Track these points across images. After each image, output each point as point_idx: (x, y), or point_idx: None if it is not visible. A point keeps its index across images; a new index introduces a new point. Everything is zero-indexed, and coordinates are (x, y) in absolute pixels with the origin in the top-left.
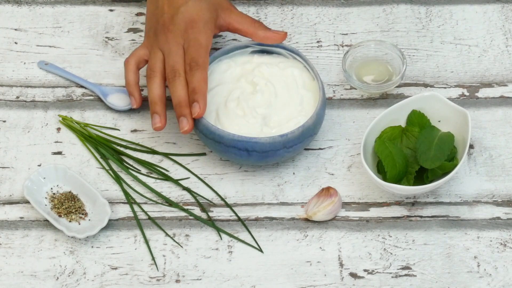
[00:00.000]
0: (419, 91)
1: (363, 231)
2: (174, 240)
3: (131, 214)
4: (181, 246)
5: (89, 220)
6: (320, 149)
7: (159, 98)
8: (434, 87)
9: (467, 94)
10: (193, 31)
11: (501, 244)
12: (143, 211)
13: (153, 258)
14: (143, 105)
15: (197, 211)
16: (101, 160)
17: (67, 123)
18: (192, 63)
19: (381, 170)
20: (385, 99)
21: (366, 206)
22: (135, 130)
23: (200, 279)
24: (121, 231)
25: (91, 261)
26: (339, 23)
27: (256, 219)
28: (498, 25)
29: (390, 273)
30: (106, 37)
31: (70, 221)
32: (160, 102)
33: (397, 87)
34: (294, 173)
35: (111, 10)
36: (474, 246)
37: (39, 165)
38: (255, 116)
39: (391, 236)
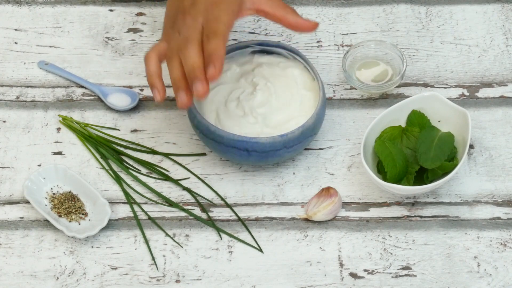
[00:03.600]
0: (419, 91)
1: (363, 231)
2: (174, 240)
3: (131, 214)
4: (181, 246)
5: (89, 220)
6: (320, 149)
7: (182, 74)
8: (434, 87)
9: (467, 94)
10: (214, 10)
11: (501, 244)
12: (143, 211)
13: (153, 258)
14: (143, 105)
15: (197, 211)
16: (101, 160)
17: (67, 123)
18: (210, 33)
19: (381, 170)
20: (385, 99)
21: (366, 206)
22: (135, 130)
23: (200, 279)
24: (121, 231)
25: (91, 261)
26: (339, 23)
27: (256, 219)
28: (498, 25)
29: (390, 273)
30: (106, 37)
31: (70, 221)
32: (184, 78)
33: (397, 87)
34: (294, 173)
35: (111, 10)
36: (474, 246)
37: (39, 165)
38: (255, 116)
39: (391, 236)
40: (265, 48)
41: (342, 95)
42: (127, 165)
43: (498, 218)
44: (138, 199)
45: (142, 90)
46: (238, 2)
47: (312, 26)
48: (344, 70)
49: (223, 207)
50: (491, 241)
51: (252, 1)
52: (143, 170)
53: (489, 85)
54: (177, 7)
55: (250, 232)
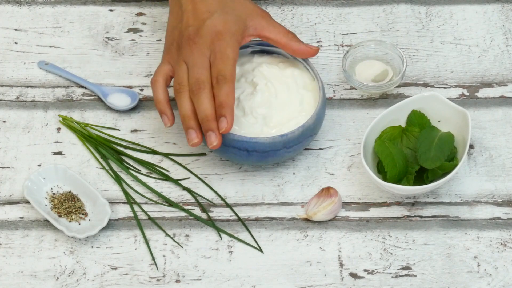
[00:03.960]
0: (419, 91)
1: (363, 231)
2: (174, 240)
3: (131, 214)
4: (181, 246)
5: (89, 220)
6: (320, 149)
7: (192, 112)
8: (434, 87)
9: (467, 94)
10: (220, 43)
11: (501, 244)
12: (143, 211)
13: (153, 258)
14: (143, 105)
15: (197, 211)
16: (101, 160)
17: (67, 123)
18: (219, 76)
19: (381, 170)
20: (385, 99)
21: (366, 206)
22: (135, 130)
23: (200, 279)
24: (121, 231)
25: (91, 261)
26: (339, 23)
27: (256, 219)
28: (498, 25)
29: (390, 273)
30: (106, 37)
31: (70, 221)
32: (194, 116)
33: (397, 87)
34: (294, 173)
35: (111, 10)
36: (474, 246)
37: (39, 165)
38: (255, 116)
39: (391, 236)
40: (265, 48)
41: (342, 95)
42: (127, 165)
43: (498, 218)
44: (138, 199)
45: (142, 90)
46: (241, 31)
47: (313, 52)
48: (344, 70)
49: (223, 207)
50: (491, 241)
51: (254, 28)
52: (143, 170)
53: (489, 85)
54: (180, 31)
55: (250, 232)
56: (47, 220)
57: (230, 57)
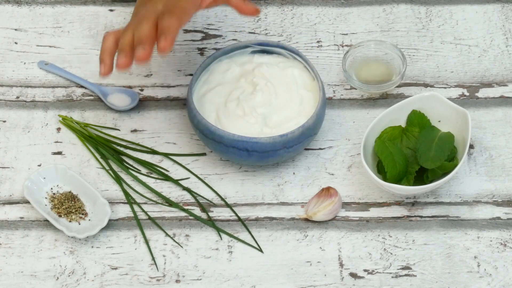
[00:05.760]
0: (419, 91)
1: (363, 231)
2: (174, 240)
3: (131, 214)
4: (181, 246)
5: (89, 220)
6: (320, 149)
7: (130, 43)
8: (434, 87)
9: (467, 94)
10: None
11: (501, 244)
12: (143, 211)
13: (153, 258)
14: (142, 105)
15: (197, 211)
16: (101, 160)
17: (67, 123)
18: (165, 12)
19: (381, 170)
20: (385, 99)
21: (366, 206)
22: (135, 130)
23: (200, 279)
24: (121, 231)
25: (91, 261)
26: (339, 23)
27: (256, 219)
28: (498, 25)
29: (390, 273)
30: None
31: (70, 221)
32: (130, 45)
33: (397, 87)
34: (294, 173)
35: (111, 10)
36: (474, 246)
37: (39, 165)
38: (255, 116)
39: (391, 236)
40: (265, 48)
41: (342, 95)
42: (127, 165)
43: (498, 218)
44: (138, 199)
45: (142, 90)
46: None
47: (250, 11)
48: (344, 70)
49: (223, 207)
50: (491, 241)
51: None
52: (143, 170)
53: (489, 85)
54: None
55: (250, 232)
56: (47, 220)
57: (182, 6)
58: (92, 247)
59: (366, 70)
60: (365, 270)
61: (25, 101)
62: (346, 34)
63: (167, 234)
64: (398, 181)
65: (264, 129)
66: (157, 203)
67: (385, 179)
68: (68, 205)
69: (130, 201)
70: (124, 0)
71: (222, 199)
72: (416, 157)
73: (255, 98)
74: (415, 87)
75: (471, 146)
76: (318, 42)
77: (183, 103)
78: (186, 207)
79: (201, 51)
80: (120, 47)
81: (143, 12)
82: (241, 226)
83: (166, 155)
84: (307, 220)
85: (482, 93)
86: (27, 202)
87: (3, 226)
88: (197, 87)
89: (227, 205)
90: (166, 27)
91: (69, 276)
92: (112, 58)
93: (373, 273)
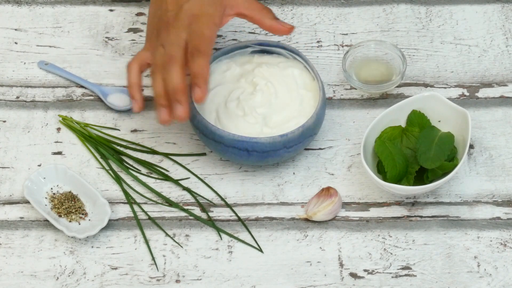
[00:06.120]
0: (419, 91)
1: (363, 231)
2: (174, 240)
3: (131, 214)
4: (181, 246)
5: (89, 220)
6: (320, 149)
7: (165, 93)
8: (434, 87)
9: (467, 94)
10: (196, 25)
11: (501, 244)
12: (143, 211)
13: (153, 258)
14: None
15: (197, 211)
16: (101, 160)
17: (67, 123)
18: (194, 50)
19: (381, 170)
20: (385, 99)
21: (366, 206)
22: (135, 130)
23: (200, 279)
24: (121, 231)
25: (91, 261)
26: (339, 23)
27: (256, 219)
28: (498, 25)
29: (390, 273)
30: (106, 37)
31: (70, 221)
32: (165, 97)
33: (397, 87)
34: (294, 173)
35: (111, 10)
36: (474, 246)
37: (39, 165)
38: (255, 116)
39: (391, 236)
40: (265, 48)
41: (342, 95)
42: (127, 165)
43: (498, 218)
44: (138, 199)
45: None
46: (218, 12)
47: (286, 30)
48: (344, 70)
49: (223, 207)
50: (491, 241)
51: (231, 7)
52: (143, 170)
53: (489, 85)
54: (160, 17)
55: (250, 232)
56: (47, 220)
57: (207, 36)
58: (92, 247)
59: (366, 70)
60: (365, 270)
61: (25, 101)
62: (346, 34)
63: (167, 234)
64: (398, 181)
65: (264, 129)
66: (157, 203)
67: (385, 179)
68: (68, 205)
69: (130, 201)
70: (124, 0)
71: (222, 199)
72: (416, 157)
73: (255, 98)
74: (415, 87)
75: (471, 146)
76: (318, 42)
77: None
78: (186, 207)
79: None
80: (156, 100)
81: (169, 45)
82: (241, 226)
83: (166, 155)
84: (307, 220)
85: (482, 93)
86: (27, 202)
87: (3, 226)
88: None
89: (227, 205)
90: (198, 73)
91: (69, 276)
92: (141, 92)
93: (373, 273)
